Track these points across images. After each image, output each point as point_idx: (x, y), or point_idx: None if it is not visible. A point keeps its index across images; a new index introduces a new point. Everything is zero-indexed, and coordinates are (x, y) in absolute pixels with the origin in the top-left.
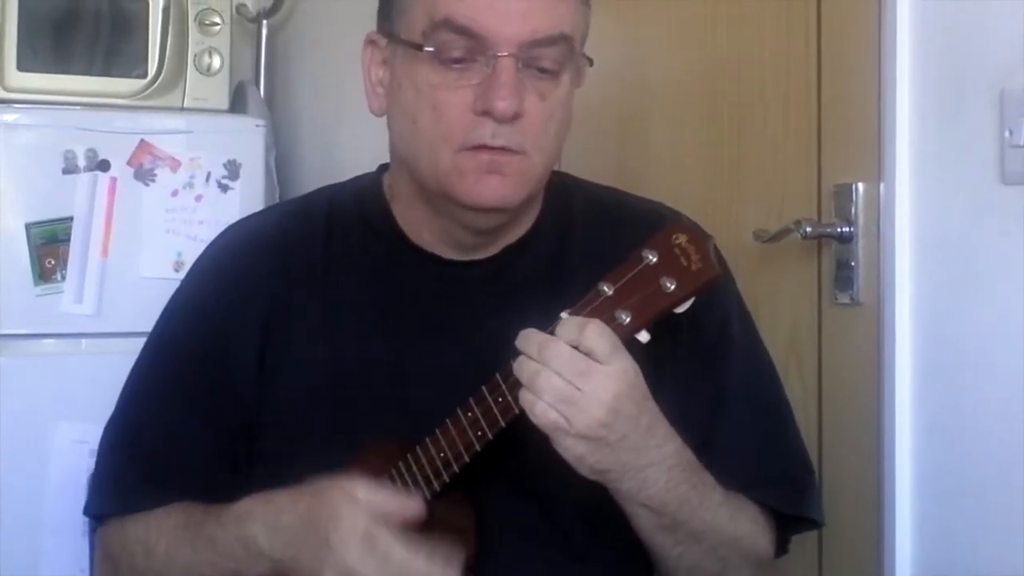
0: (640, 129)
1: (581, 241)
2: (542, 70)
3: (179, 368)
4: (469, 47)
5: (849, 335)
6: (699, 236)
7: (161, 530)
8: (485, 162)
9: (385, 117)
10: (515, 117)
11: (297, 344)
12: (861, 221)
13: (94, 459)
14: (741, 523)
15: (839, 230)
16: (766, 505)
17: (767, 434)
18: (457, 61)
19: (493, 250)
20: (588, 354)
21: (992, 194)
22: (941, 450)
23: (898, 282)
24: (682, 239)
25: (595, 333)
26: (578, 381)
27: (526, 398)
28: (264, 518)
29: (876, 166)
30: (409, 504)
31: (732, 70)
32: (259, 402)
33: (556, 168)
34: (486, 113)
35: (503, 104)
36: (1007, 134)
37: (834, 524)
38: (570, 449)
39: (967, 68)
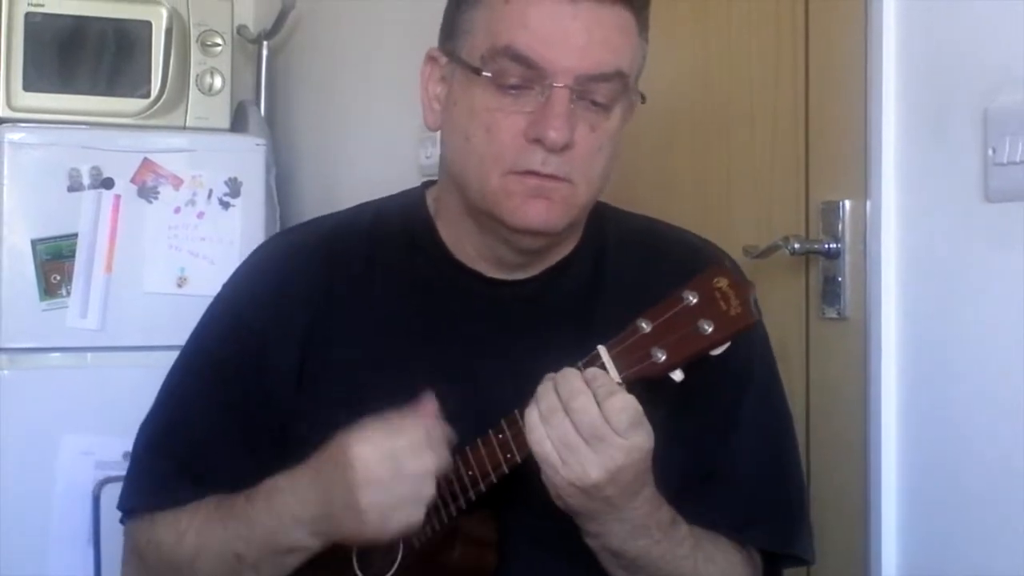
0: (633, 148)
1: (613, 267)
2: (595, 103)
3: (216, 374)
4: (527, 75)
5: (836, 349)
6: (741, 282)
7: (193, 517)
8: (533, 186)
9: (438, 133)
10: (565, 147)
11: (337, 354)
12: (848, 238)
13: (100, 470)
14: (709, 572)
15: (826, 246)
16: (756, 546)
17: (767, 472)
18: (514, 87)
19: (533, 271)
20: (607, 419)
21: (976, 211)
22: (926, 461)
23: (884, 297)
24: (723, 283)
25: (619, 407)
26: (591, 441)
27: (532, 419)
28: (290, 486)
29: (862, 184)
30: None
31: (722, 91)
32: (298, 409)
33: None
34: (538, 141)
35: (555, 134)
36: (990, 152)
37: (822, 534)
38: (552, 480)
39: (951, 88)
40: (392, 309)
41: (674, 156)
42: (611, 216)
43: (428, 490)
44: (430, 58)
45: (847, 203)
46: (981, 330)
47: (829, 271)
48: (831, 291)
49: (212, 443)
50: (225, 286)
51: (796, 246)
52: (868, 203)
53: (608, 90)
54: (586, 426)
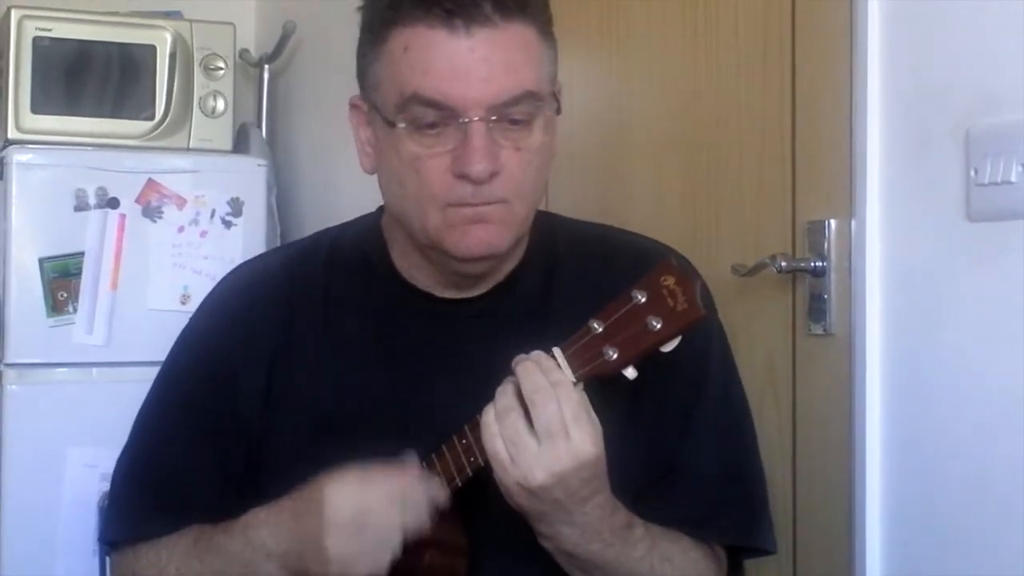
0: (623, 169)
1: (566, 276)
2: (513, 122)
3: (188, 402)
4: (440, 115)
5: (822, 364)
6: (686, 277)
7: (172, 550)
8: (470, 215)
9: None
10: (492, 176)
11: (300, 378)
12: (833, 256)
13: (105, 482)
14: (664, 571)
15: (812, 265)
16: (717, 541)
17: (726, 465)
18: (431, 125)
19: (483, 288)
20: (563, 419)
21: (958, 230)
22: (909, 473)
23: (868, 314)
24: (670, 280)
25: (572, 405)
26: (543, 439)
27: (487, 418)
28: (267, 521)
29: (847, 204)
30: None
31: (710, 113)
32: (265, 433)
33: (541, 207)
34: (463, 176)
35: (478, 168)
36: (972, 173)
37: (807, 544)
38: (502, 482)
39: (933, 111)
40: (351, 332)
41: (664, 177)
42: (560, 225)
43: (393, 542)
44: (352, 106)
45: (833, 222)
46: (963, 345)
47: (815, 289)
48: (817, 308)
49: (187, 472)
50: (193, 317)
51: (783, 264)
52: (853, 222)
53: (522, 109)
54: (542, 421)
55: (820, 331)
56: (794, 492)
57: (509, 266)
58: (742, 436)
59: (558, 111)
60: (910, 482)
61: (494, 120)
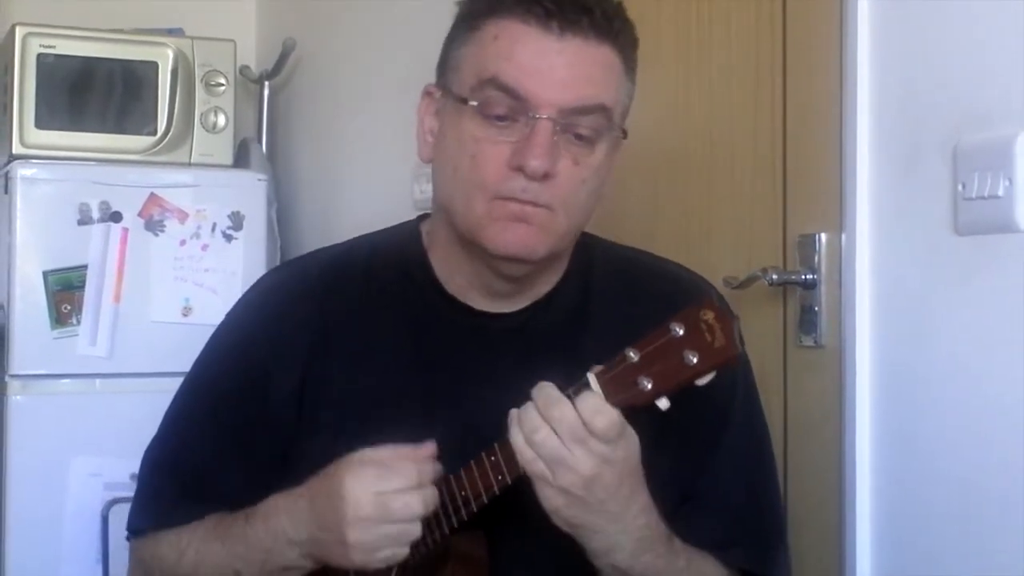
0: (617, 183)
1: (600, 299)
2: (578, 136)
3: (219, 399)
4: (512, 106)
5: (813, 375)
6: (725, 315)
7: (193, 534)
8: (514, 211)
9: (430, 165)
10: (546, 176)
11: (334, 381)
12: (824, 269)
13: (109, 491)
14: None
15: (803, 277)
16: (736, 564)
17: (747, 495)
18: (500, 118)
19: (520, 303)
20: (593, 434)
21: (946, 244)
22: (899, 482)
23: (858, 326)
24: (709, 316)
25: (605, 425)
26: (572, 445)
27: (517, 441)
28: (287, 508)
29: (838, 218)
30: (416, 446)
31: (704, 130)
32: (296, 433)
33: None
34: (519, 169)
35: (536, 163)
36: (960, 188)
37: (798, 553)
38: (550, 499)
39: (922, 126)
40: (386, 339)
41: (659, 191)
42: (597, 247)
43: (413, 532)
44: (426, 93)
45: (823, 236)
46: (951, 357)
47: (806, 301)
48: (808, 320)
49: (214, 466)
50: (228, 316)
51: (774, 277)
52: (843, 236)
53: (591, 123)
54: (567, 433)
55: (811, 343)
56: (786, 500)
57: (548, 284)
58: (764, 466)
59: (624, 135)
60: (900, 491)
61: (562, 125)
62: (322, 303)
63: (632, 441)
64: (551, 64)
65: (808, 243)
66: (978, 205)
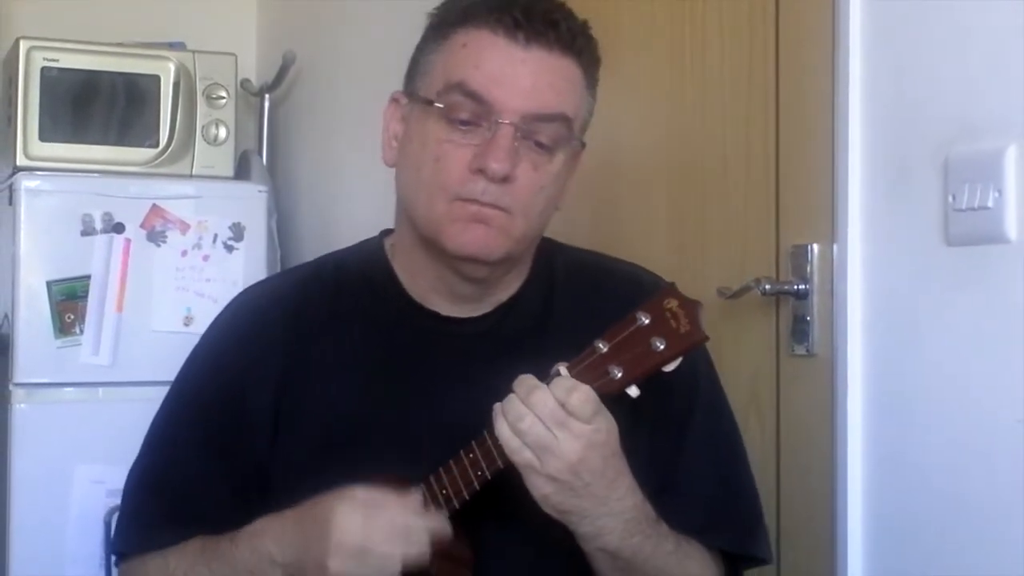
0: (612, 196)
1: (564, 300)
2: (539, 144)
3: (198, 419)
4: (476, 111)
5: (805, 384)
6: (689, 302)
7: (180, 557)
8: (473, 212)
9: (394, 170)
10: (505, 179)
11: (309, 396)
12: (816, 279)
13: (112, 498)
14: (689, 568)
15: (795, 287)
16: (718, 548)
17: (721, 478)
18: (464, 122)
19: (485, 308)
20: (571, 413)
21: (936, 254)
22: (890, 490)
23: (850, 335)
24: (673, 304)
25: (581, 399)
26: (556, 429)
27: (503, 432)
28: (273, 531)
29: (829, 229)
30: (406, 493)
31: (697, 142)
32: (275, 448)
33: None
34: (480, 171)
35: (496, 165)
36: (950, 199)
37: (790, 559)
38: (538, 487)
39: (913, 139)
40: (357, 350)
41: (653, 203)
42: (558, 252)
43: (392, 570)
44: (393, 99)
45: (815, 247)
46: (941, 365)
47: (798, 311)
48: (800, 329)
49: (197, 486)
50: (203, 337)
51: (767, 287)
52: (835, 247)
53: (551, 132)
54: (549, 417)
55: (803, 351)
56: (778, 507)
57: (511, 289)
58: (734, 447)
59: (583, 145)
60: (891, 497)
61: (524, 131)
62: (293, 320)
63: (610, 420)
64: (516, 72)
65: (800, 254)
66: (968, 216)
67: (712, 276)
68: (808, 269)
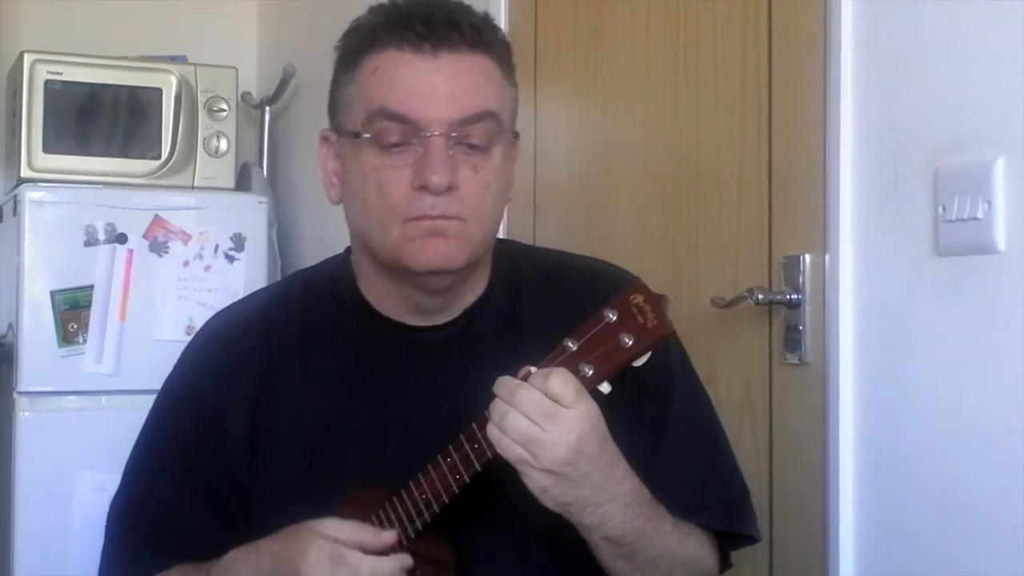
0: (606, 207)
1: (529, 300)
2: (472, 146)
3: (175, 447)
4: (404, 131)
5: (797, 392)
6: (655, 297)
7: None
8: (427, 227)
9: (342, 206)
10: (449, 189)
11: (284, 414)
12: (808, 289)
13: None
14: (689, 546)
15: (788, 297)
16: (707, 527)
17: (705, 460)
18: (395, 145)
19: (452, 314)
20: (555, 400)
21: (927, 265)
22: (881, 497)
23: (842, 344)
24: (639, 299)
25: (560, 380)
26: (544, 423)
27: (493, 433)
28: (247, 563)
29: (821, 239)
30: (379, 533)
31: (690, 154)
32: (252, 469)
33: (502, 236)
34: (423, 188)
35: (436, 178)
36: (940, 210)
37: (783, 564)
38: (536, 481)
39: (904, 150)
40: (328, 367)
41: (646, 214)
42: (520, 253)
43: None
44: (323, 139)
45: (807, 257)
46: (931, 374)
47: (791, 320)
48: (792, 339)
49: (179, 517)
50: (176, 365)
51: (760, 297)
52: (827, 257)
53: (482, 131)
54: (535, 411)
55: (795, 360)
56: (770, 514)
57: (474, 293)
58: (713, 430)
59: (517, 136)
60: (881, 504)
61: (454, 137)
62: (263, 341)
63: (595, 404)
64: (431, 83)
65: (793, 264)
66: (958, 227)
67: (706, 286)
68: (800, 279)
